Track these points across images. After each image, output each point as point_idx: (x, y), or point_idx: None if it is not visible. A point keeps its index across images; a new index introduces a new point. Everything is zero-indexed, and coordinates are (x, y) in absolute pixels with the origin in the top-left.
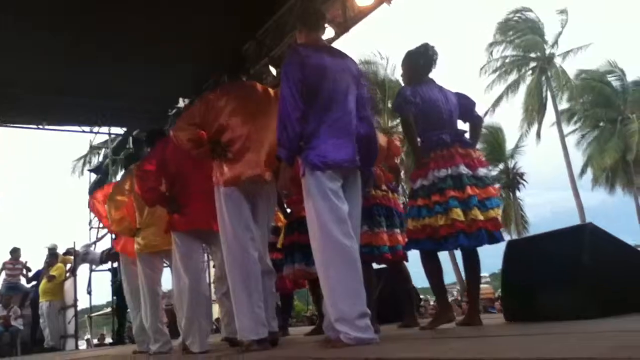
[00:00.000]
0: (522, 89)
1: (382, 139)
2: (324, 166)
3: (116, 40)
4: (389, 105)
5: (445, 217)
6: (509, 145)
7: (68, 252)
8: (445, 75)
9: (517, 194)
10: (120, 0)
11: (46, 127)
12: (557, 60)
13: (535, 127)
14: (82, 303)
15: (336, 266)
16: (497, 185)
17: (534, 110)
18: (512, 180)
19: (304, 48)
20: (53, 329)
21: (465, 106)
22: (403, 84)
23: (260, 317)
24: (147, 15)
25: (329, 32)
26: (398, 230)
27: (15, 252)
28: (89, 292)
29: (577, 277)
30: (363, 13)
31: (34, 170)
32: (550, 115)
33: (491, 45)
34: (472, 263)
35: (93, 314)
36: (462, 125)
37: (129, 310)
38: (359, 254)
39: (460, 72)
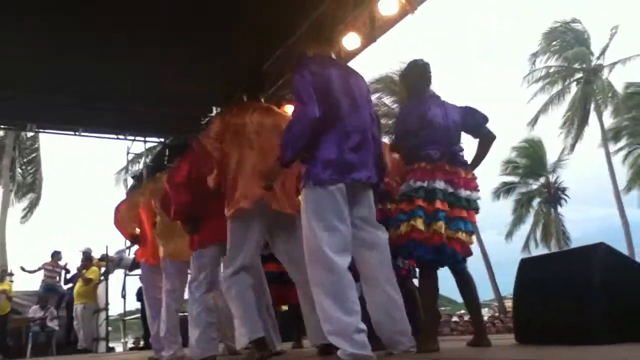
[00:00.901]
0: (567, 100)
1: (395, 154)
2: (327, 181)
3: (149, 46)
4: None
5: (406, 224)
6: (552, 159)
7: (102, 258)
8: (486, 84)
9: (559, 209)
10: (154, 6)
11: (82, 133)
12: (604, 72)
13: (578, 140)
14: (118, 307)
15: (330, 283)
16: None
17: (577, 123)
18: (554, 195)
19: (311, 61)
20: (86, 331)
21: (470, 122)
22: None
23: None
24: (177, 24)
25: (354, 43)
26: None
27: (56, 254)
28: (124, 296)
29: (586, 298)
30: (390, 23)
31: (74, 176)
32: (594, 128)
33: (534, 55)
34: (462, 283)
35: (127, 318)
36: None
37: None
38: None
39: (502, 82)
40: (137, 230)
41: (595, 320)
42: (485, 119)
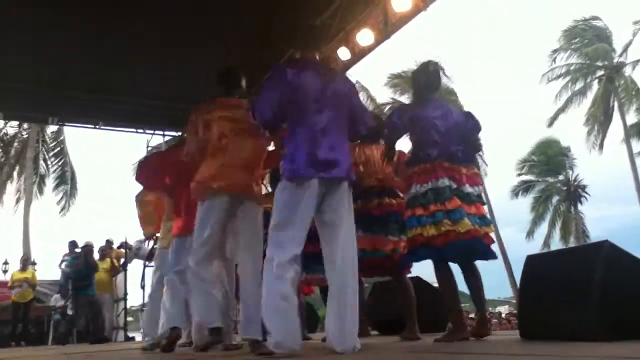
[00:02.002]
0: (588, 98)
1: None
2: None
3: (168, 42)
4: None
5: (435, 227)
6: (572, 156)
7: (121, 246)
8: (508, 81)
9: (579, 207)
10: (173, 4)
11: (102, 127)
12: (627, 70)
13: (600, 138)
14: (138, 297)
15: None
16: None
17: (599, 121)
18: (574, 192)
19: (288, 66)
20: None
21: (469, 128)
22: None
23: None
24: (195, 21)
25: (368, 39)
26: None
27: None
28: (142, 287)
29: (589, 296)
30: (404, 19)
31: (94, 168)
32: (616, 126)
33: (555, 52)
34: (469, 275)
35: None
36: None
37: None
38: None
39: (522, 79)
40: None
41: (597, 317)
42: (478, 128)
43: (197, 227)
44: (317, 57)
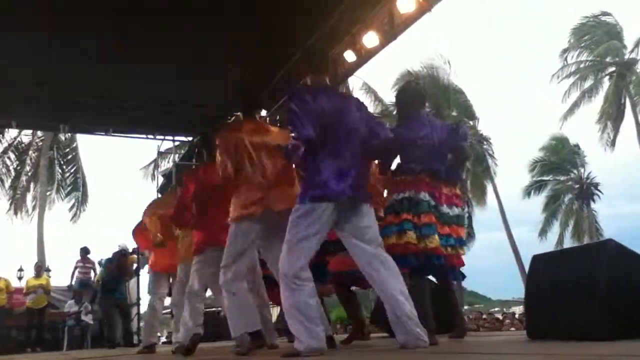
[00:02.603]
0: (599, 95)
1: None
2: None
3: (177, 48)
4: (454, 113)
5: (397, 236)
6: (583, 154)
7: (133, 252)
8: (517, 82)
9: (592, 205)
10: (184, 5)
11: (113, 134)
12: (639, 66)
13: (612, 135)
14: None
15: None
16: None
17: (611, 118)
18: (586, 190)
19: (306, 90)
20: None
21: (453, 138)
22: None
23: None
24: (205, 26)
25: (374, 41)
26: None
27: (84, 251)
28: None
29: (594, 295)
30: (409, 21)
31: (105, 174)
32: (628, 122)
33: (565, 51)
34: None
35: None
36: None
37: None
38: None
39: (531, 78)
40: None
41: (602, 316)
42: (465, 138)
43: (232, 243)
44: (327, 81)
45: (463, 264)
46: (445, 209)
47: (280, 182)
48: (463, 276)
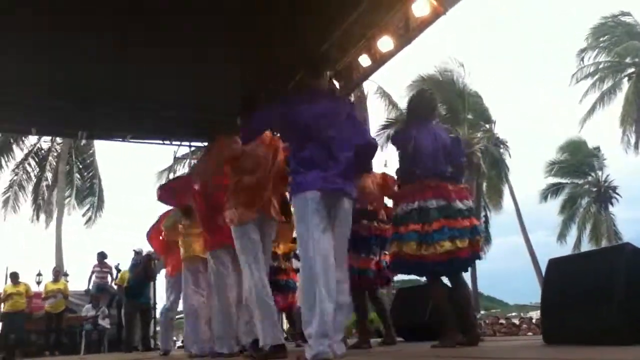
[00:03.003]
0: (619, 97)
1: (377, 176)
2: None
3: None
4: (469, 116)
5: (397, 243)
6: (602, 157)
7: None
8: (508, 81)
9: (610, 208)
10: (200, 13)
11: (130, 140)
12: None
13: (634, 137)
14: None
15: None
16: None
17: (632, 120)
18: (604, 193)
19: (295, 96)
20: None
21: (455, 153)
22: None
23: None
24: (225, 31)
25: (388, 45)
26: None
27: (101, 255)
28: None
29: (611, 299)
30: (424, 24)
31: (121, 180)
32: None
33: (582, 51)
34: (454, 286)
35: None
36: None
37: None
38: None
39: (549, 80)
40: None
41: (620, 320)
42: (463, 154)
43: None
44: (321, 83)
45: (479, 250)
46: (458, 204)
47: None
48: (474, 260)
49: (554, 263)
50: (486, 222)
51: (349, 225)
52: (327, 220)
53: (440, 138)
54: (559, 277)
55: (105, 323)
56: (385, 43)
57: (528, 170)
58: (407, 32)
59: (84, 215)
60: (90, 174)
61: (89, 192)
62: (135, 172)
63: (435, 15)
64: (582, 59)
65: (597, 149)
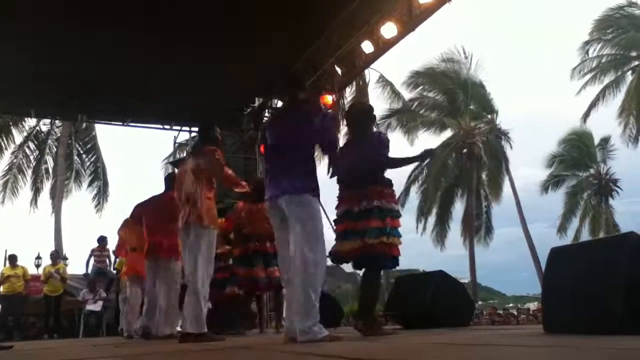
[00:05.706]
0: (621, 90)
1: None
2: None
3: (195, 39)
4: (472, 107)
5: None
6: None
7: None
8: (534, 77)
9: (610, 201)
10: (200, 2)
11: (130, 124)
12: None
13: (635, 131)
14: None
15: None
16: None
17: (633, 113)
18: (605, 186)
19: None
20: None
21: (377, 149)
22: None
23: None
24: (225, 13)
25: (392, 32)
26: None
27: (102, 240)
28: None
29: (613, 288)
30: (428, 11)
31: (123, 166)
32: None
33: (587, 43)
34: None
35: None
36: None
37: None
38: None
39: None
40: None
41: (622, 309)
42: (383, 145)
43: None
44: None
45: (390, 251)
46: (376, 202)
47: None
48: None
49: (556, 252)
50: (488, 212)
51: None
52: None
53: (362, 147)
54: (561, 265)
55: (94, 307)
56: (388, 29)
57: (528, 161)
58: (411, 18)
59: (93, 199)
60: (93, 157)
61: (94, 176)
62: (139, 159)
63: (441, 2)
64: (587, 52)
65: (605, 140)
